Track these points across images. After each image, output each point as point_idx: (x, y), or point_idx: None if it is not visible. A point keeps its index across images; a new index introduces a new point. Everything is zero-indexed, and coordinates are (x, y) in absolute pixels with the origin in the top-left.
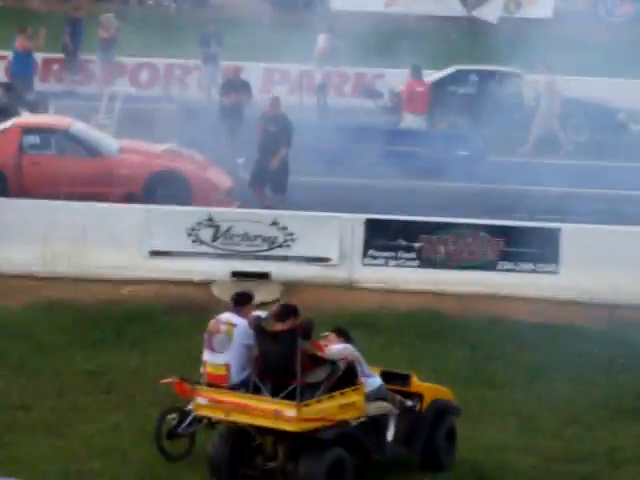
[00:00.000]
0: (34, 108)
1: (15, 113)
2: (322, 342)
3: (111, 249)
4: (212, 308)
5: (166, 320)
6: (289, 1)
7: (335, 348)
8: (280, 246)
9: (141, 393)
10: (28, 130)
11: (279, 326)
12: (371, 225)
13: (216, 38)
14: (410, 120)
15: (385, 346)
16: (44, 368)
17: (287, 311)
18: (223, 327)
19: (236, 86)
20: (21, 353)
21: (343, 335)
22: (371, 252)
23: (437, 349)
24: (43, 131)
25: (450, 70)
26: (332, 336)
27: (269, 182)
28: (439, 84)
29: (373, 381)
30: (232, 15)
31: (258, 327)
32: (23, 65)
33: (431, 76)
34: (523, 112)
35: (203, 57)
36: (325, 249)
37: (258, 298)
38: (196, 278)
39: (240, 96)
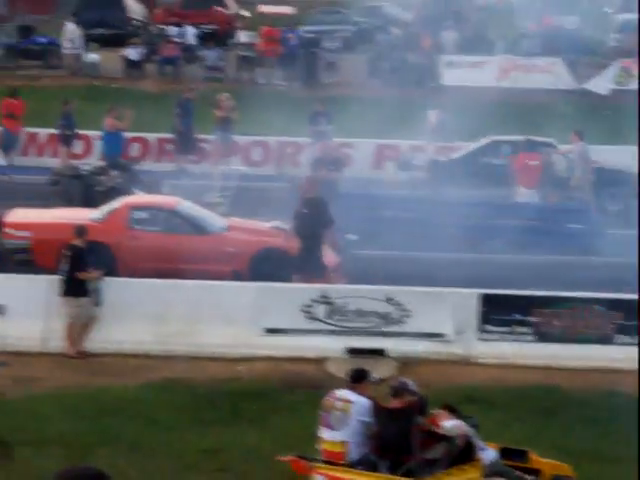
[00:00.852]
0: (148, 188)
1: (129, 193)
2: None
3: (226, 327)
4: (327, 385)
5: (281, 397)
6: (399, 78)
7: (451, 424)
8: (395, 322)
9: (257, 471)
10: (137, 208)
11: (395, 403)
12: (486, 300)
13: (325, 116)
14: (523, 193)
15: (502, 422)
16: (160, 447)
17: (402, 388)
18: (339, 404)
19: (327, 162)
20: (137, 432)
21: (454, 412)
22: (486, 327)
23: (555, 424)
24: (151, 209)
25: (485, 141)
26: (444, 413)
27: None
28: (473, 154)
29: (489, 455)
30: (343, 93)
31: (374, 404)
32: (112, 144)
33: (469, 147)
34: None
35: (313, 135)
36: (440, 324)
37: (374, 375)
38: (311, 355)
39: (331, 172)
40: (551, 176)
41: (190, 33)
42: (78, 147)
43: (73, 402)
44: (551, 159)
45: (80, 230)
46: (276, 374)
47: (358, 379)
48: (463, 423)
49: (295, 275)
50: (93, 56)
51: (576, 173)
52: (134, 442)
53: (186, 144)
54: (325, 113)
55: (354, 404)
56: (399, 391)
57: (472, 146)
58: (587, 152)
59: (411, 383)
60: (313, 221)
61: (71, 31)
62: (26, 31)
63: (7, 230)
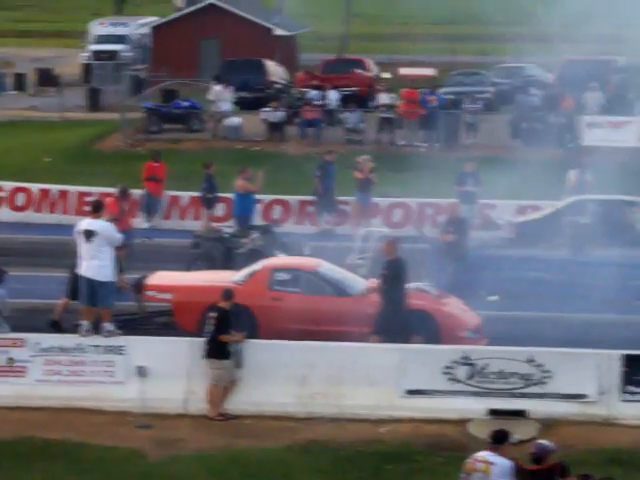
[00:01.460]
0: (288, 250)
1: (270, 255)
2: None
3: (367, 388)
4: (469, 447)
5: (423, 459)
6: (540, 138)
7: None
8: (536, 383)
9: None
10: (278, 270)
11: (537, 466)
12: (628, 360)
13: (473, 177)
14: None
15: None
16: None
17: (543, 451)
18: (480, 465)
19: (455, 223)
20: None
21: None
22: (629, 388)
23: None
24: (292, 271)
25: (571, 200)
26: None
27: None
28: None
29: None
30: (484, 154)
31: (516, 465)
32: (243, 205)
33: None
34: None
35: (459, 195)
36: (582, 385)
37: (516, 437)
38: (452, 417)
39: (458, 233)
40: None
41: (333, 97)
42: (219, 210)
43: (215, 465)
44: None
45: (228, 293)
46: (418, 436)
47: (499, 440)
48: None
49: (373, 336)
50: (235, 119)
51: None
52: None
53: (326, 206)
54: (473, 174)
55: (495, 466)
56: (540, 456)
57: (558, 205)
58: None
59: (552, 445)
60: (393, 282)
61: (217, 93)
62: (169, 95)
63: (150, 293)
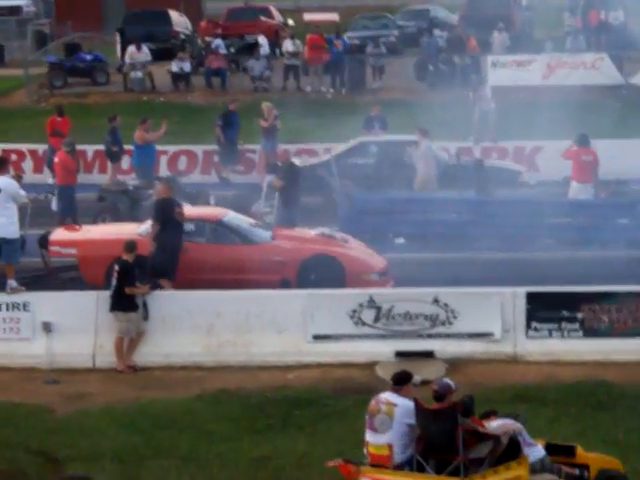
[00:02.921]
0: (194, 200)
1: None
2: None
3: (275, 335)
4: (377, 389)
5: (332, 403)
6: (445, 79)
7: (496, 423)
8: (442, 324)
9: (309, 477)
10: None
11: (436, 406)
12: (533, 298)
13: (379, 120)
14: (577, 189)
15: (552, 419)
16: (213, 457)
17: (445, 391)
18: (383, 407)
19: (285, 170)
20: (190, 443)
21: (496, 414)
22: (534, 325)
23: (605, 419)
24: (198, 222)
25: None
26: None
27: None
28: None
29: (536, 452)
30: (391, 97)
31: (418, 406)
32: (143, 157)
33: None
34: None
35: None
36: (488, 324)
37: (424, 376)
38: (360, 360)
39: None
40: None
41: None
42: (125, 163)
43: (125, 416)
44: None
45: (130, 245)
46: (326, 381)
47: (401, 382)
48: (510, 421)
49: None
50: (139, 72)
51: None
52: (187, 454)
53: (229, 155)
54: (380, 117)
55: (398, 407)
56: (442, 395)
57: (341, 148)
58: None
59: (454, 384)
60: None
61: (132, 55)
62: (73, 49)
63: (53, 248)
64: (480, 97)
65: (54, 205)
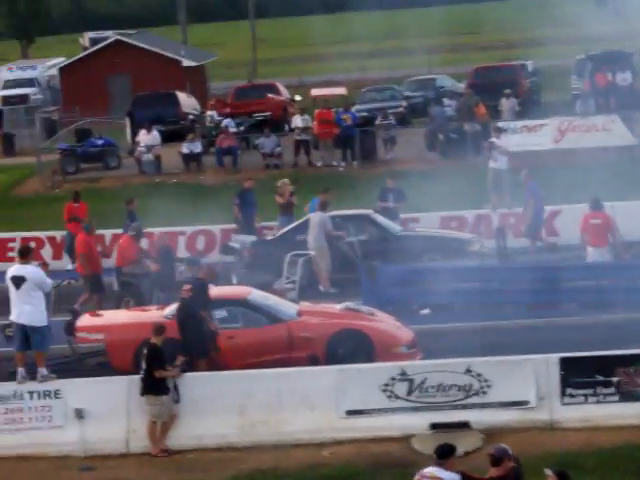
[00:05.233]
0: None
1: None
2: None
3: (307, 412)
4: (415, 463)
5: (370, 479)
6: (456, 148)
7: None
8: (476, 393)
9: None
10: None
11: (494, 471)
12: (566, 363)
13: (394, 192)
14: (592, 254)
15: None
16: None
17: (502, 455)
18: None
19: (161, 252)
20: None
21: (564, 477)
22: (569, 391)
23: None
24: (222, 302)
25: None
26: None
27: None
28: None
29: None
30: (402, 168)
31: (464, 477)
32: None
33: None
34: None
35: (381, 211)
36: (522, 392)
37: (460, 448)
38: (395, 434)
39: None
40: None
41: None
42: (144, 244)
43: None
44: None
45: (158, 328)
46: (362, 456)
47: (445, 455)
48: None
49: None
50: (150, 154)
51: None
52: None
53: (248, 233)
54: (394, 190)
55: None
56: (499, 459)
57: (293, 224)
58: None
59: (509, 449)
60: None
61: (143, 138)
62: (83, 135)
63: (80, 334)
64: (494, 157)
65: (116, 286)
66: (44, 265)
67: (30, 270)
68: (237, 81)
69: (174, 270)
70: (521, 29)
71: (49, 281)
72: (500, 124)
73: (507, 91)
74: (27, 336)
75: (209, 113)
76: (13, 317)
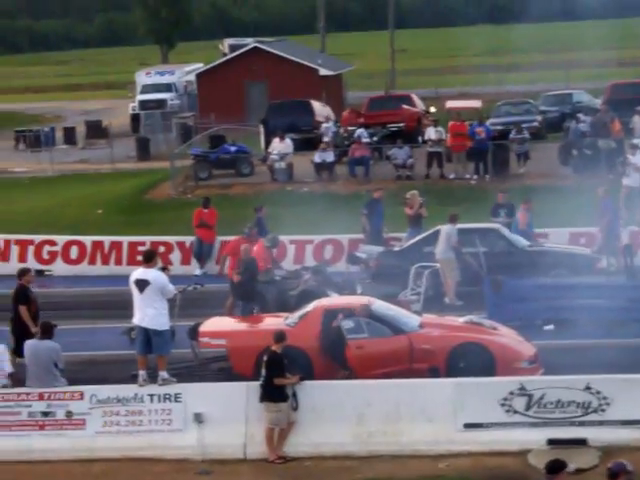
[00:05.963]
0: (341, 290)
1: (323, 295)
2: None
3: (425, 424)
4: (529, 478)
5: None
6: (590, 164)
7: None
8: (595, 411)
9: None
10: (330, 312)
11: None
12: None
13: (506, 207)
14: None
15: None
16: None
17: (619, 470)
18: None
19: (244, 264)
20: None
21: None
22: None
23: None
24: (345, 311)
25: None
26: None
27: None
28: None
29: None
30: (533, 183)
31: None
32: None
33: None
34: None
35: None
36: None
37: (577, 465)
38: (512, 449)
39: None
40: None
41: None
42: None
43: None
44: None
45: (279, 335)
46: (478, 469)
47: (555, 470)
48: None
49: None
50: (283, 162)
51: None
52: None
53: (375, 244)
54: (506, 205)
55: None
56: (616, 473)
57: (420, 236)
58: None
59: (628, 464)
60: None
61: (276, 147)
62: (217, 141)
63: (204, 339)
64: (627, 173)
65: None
66: (165, 269)
67: (154, 274)
68: (374, 91)
69: (255, 283)
70: None
71: (172, 287)
72: (635, 141)
73: (639, 108)
74: (149, 339)
75: (325, 125)
76: (136, 320)
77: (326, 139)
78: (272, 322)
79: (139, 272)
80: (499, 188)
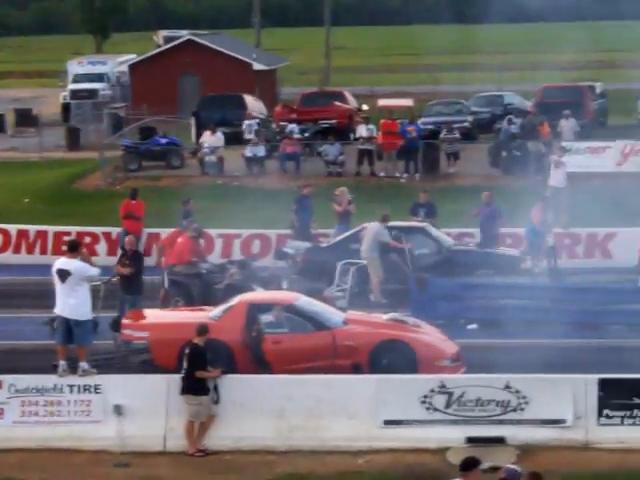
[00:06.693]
0: (267, 284)
1: (249, 290)
2: None
3: (345, 420)
4: (448, 475)
5: None
6: (519, 166)
7: None
8: (514, 410)
9: None
10: (254, 306)
11: None
12: (605, 385)
13: (425, 207)
14: None
15: None
16: None
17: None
18: None
19: (131, 257)
20: None
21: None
22: (606, 412)
23: None
24: (269, 306)
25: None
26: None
27: None
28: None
29: None
30: (463, 183)
31: None
32: None
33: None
34: None
35: None
36: (559, 411)
37: (493, 463)
38: (431, 446)
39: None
40: None
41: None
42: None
43: None
44: None
45: (202, 329)
46: (397, 466)
47: (468, 467)
48: None
49: None
50: (213, 156)
51: None
52: None
53: (303, 239)
54: (426, 204)
55: None
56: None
57: (348, 233)
58: None
59: (521, 469)
60: None
61: (207, 140)
62: (148, 132)
63: (126, 331)
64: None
65: (166, 284)
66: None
67: (76, 265)
68: (309, 87)
69: (141, 276)
70: (600, 50)
71: (94, 270)
72: (564, 144)
73: (566, 112)
74: (70, 329)
75: (247, 122)
76: (57, 310)
77: (249, 136)
78: (196, 315)
79: (61, 262)
80: (425, 187)
